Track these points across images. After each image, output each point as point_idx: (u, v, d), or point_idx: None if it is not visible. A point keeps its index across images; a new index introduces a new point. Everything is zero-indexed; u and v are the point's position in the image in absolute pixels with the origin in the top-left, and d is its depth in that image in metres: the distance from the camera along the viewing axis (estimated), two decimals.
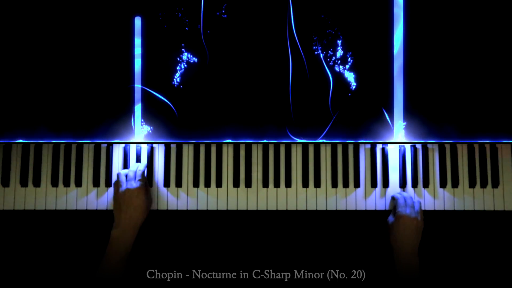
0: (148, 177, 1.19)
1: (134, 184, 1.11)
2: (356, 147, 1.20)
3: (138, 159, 1.20)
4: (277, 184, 1.20)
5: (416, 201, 1.16)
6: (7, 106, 1.19)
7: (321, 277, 1.26)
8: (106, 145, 1.20)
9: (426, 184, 1.20)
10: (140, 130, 1.20)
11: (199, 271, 1.26)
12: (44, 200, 1.19)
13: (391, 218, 1.16)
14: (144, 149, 1.21)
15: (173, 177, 1.20)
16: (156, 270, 1.26)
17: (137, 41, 1.20)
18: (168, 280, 1.25)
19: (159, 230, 1.28)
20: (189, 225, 1.28)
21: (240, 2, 1.20)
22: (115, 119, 1.20)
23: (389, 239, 1.14)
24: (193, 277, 1.26)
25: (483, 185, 1.20)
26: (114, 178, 1.20)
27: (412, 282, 1.09)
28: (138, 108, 1.20)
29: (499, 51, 1.20)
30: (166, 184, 1.19)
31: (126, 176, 1.14)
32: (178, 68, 1.20)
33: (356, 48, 1.21)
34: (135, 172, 1.14)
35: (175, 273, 1.26)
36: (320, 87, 1.20)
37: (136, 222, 1.10)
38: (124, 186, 1.11)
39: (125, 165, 1.20)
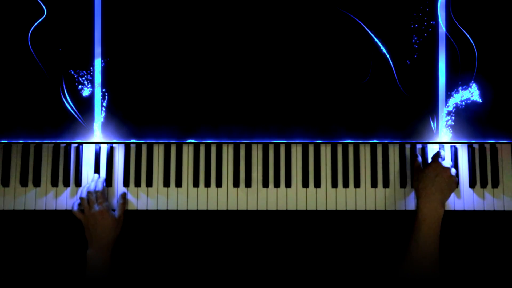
0: (148, 177, 1.19)
1: (97, 208, 1.13)
2: (356, 147, 1.20)
3: (133, 161, 1.20)
4: (277, 184, 1.20)
5: (454, 172, 1.14)
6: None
7: (322, 277, 1.26)
8: (106, 145, 1.21)
9: None
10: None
11: (199, 271, 1.26)
12: (44, 200, 1.19)
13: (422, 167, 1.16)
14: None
15: (173, 177, 1.20)
16: (155, 270, 1.26)
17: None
18: (167, 280, 1.25)
19: (159, 230, 1.28)
20: (189, 225, 1.28)
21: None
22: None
23: (416, 182, 1.14)
24: (193, 277, 1.26)
25: (483, 185, 1.19)
26: (116, 180, 1.20)
27: (433, 236, 1.06)
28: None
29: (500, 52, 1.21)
30: (166, 184, 1.19)
31: (88, 199, 1.14)
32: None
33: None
34: (94, 196, 1.14)
35: (174, 273, 1.26)
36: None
37: (107, 240, 1.13)
38: (87, 210, 1.13)
39: (126, 165, 1.20)
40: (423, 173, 1.13)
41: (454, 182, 1.13)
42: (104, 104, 1.20)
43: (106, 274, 1.12)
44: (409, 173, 1.20)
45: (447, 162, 1.17)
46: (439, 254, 1.06)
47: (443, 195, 1.11)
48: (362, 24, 1.20)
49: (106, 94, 1.20)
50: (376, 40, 1.20)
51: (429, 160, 1.20)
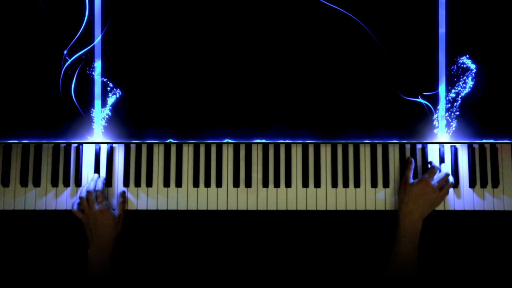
0: (148, 177, 1.19)
1: (97, 207, 1.13)
2: (356, 147, 1.20)
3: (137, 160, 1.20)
4: (277, 184, 1.20)
5: (450, 181, 1.16)
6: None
7: (322, 277, 1.26)
8: (106, 145, 1.21)
9: None
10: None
11: (199, 271, 1.26)
12: (44, 200, 1.19)
13: (412, 180, 1.17)
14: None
15: (173, 177, 1.20)
16: (156, 270, 1.26)
17: None
18: (167, 279, 1.26)
19: (159, 230, 1.28)
20: (189, 225, 1.28)
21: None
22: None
23: (401, 195, 1.16)
24: (193, 277, 1.26)
25: (483, 185, 1.19)
26: (116, 180, 1.20)
27: (412, 249, 1.11)
28: None
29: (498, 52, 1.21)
30: (166, 184, 1.19)
31: (88, 198, 1.14)
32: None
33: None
34: (94, 195, 1.15)
35: (174, 273, 1.26)
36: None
37: (108, 239, 1.13)
38: (87, 210, 1.14)
39: (126, 165, 1.20)
40: (410, 190, 1.14)
41: (439, 200, 1.16)
42: (105, 104, 1.20)
43: (107, 273, 1.12)
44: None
45: (445, 167, 1.18)
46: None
47: (424, 212, 1.14)
48: (361, 23, 1.20)
49: (106, 94, 1.20)
50: (377, 40, 1.20)
51: (429, 159, 1.20)
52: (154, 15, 1.21)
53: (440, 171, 1.17)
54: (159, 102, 1.20)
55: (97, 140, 1.20)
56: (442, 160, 1.20)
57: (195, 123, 1.20)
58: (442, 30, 1.20)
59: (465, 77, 1.21)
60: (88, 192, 1.14)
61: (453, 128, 1.20)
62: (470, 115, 1.20)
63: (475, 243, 1.27)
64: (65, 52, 1.20)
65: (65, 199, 1.19)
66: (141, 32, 1.21)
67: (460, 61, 1.20)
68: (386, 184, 1.20)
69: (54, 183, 1.19)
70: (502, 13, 1.20)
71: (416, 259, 1.12)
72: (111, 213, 1.14)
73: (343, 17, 1.20)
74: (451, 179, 1.17)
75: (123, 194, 1.19)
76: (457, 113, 1.20)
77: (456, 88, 1.21)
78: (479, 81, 1.20)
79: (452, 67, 1.20)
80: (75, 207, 1.15)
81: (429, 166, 1.19)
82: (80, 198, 1.15)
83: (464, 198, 1.19)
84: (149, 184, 1.20)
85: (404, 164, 1.20)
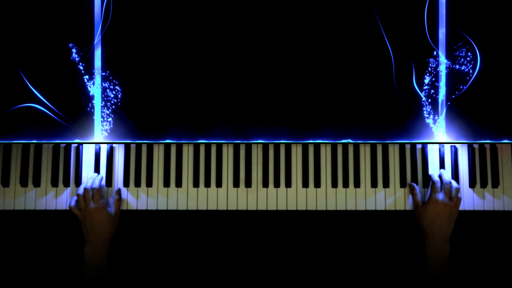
0: (148, 177, 1.19)
1: (92, 205, 1.13)
2: (356, 147, 1.20)
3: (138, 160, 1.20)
4: (277, 184, 1.19)
5: (454, 187, 1.15)
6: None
7: (322, 277, 1.26)
8: (106, 145, 1.21)
9: (426, 184, 1.20)
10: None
11: (199, 271, 1.26)
12: (44, 200, 1.19)
13: (421, 203, 1.16)
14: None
15: (173, 177, 1.20)
16: (156, 270, 1.26)
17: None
18: (167, 280, 1.26)
19: (159, 230, 1.28)
20: (189, 225, 1.28)
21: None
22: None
23: (420, 221, 1.14)
24: (193, 277, 1.26)
25: (483, 185, 1.19)
26: (116, 180, 1.20)
27: (441, 268, 1.11)
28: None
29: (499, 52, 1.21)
30: (166, 184, 1.19)
31: (84, 196, 1.14)
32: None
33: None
34: (91, 193, 1.14)
35: (174, 273, 1.26)
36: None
37: (104, 237, 1.13)
38: (83, 207, 1.14)
39: (126, 165, 1.20)
40: (424, 213, 1.13)
41: (455, 209, 1.14)
42: (105, 104, 1.20)
43: (104, 272, 1.11)
44: (409, 173, 1.20)
45: (445, 174, 1.17)
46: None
47: (448, 228, 1.13)
48: (361, 24, 1.20)
49: (106, 94, 1.20)
50: (376, 40, 1.20)
51: (429, 160, 1.20)
52: (155, 17, 1.21)
53: (442, 182, 1.16)
54: (159, 102, 1.20)
55: (97, 140, 1.20)
56: (442, 160, 1.20)
57: (195, 123, 1.20)
58: (442, 29, 1.20)
59: (465, 77, 1.21)
60: (85, 189, 1.14)
61: (453, 128, 1.20)
62: (471, 115, 1.20)
63: (475, 243, 1.27)
64: (65, 51, 1.20)
65: (65, 199, 1.19)
66: (141, 32, 1.21)
67: (461, 61, 1.21)
68: (386, 184, 1.20)
69: (54, 183, 1.19)
70: (504, 13, 1.20)
71: (446, 274, 1.11)
72: (107, 212, 1.14)
73: (343, 17, 1.20)
74: (455, 184, 1.15)
75: (118, 191, 1.18)
76: (458, 113, 1.20)
77: (457, 88, 1.21)
78: (480, 81, 1.20)
79: (453, 67, 1.21)
80: (72, 204, 1.15)
81: (430, 181, 1.17)
82: (77, 195, 1.15)
83: (464, 198, 1.19)
84: (149, 184, 1.20)
85: (404, 164, 1.20)
